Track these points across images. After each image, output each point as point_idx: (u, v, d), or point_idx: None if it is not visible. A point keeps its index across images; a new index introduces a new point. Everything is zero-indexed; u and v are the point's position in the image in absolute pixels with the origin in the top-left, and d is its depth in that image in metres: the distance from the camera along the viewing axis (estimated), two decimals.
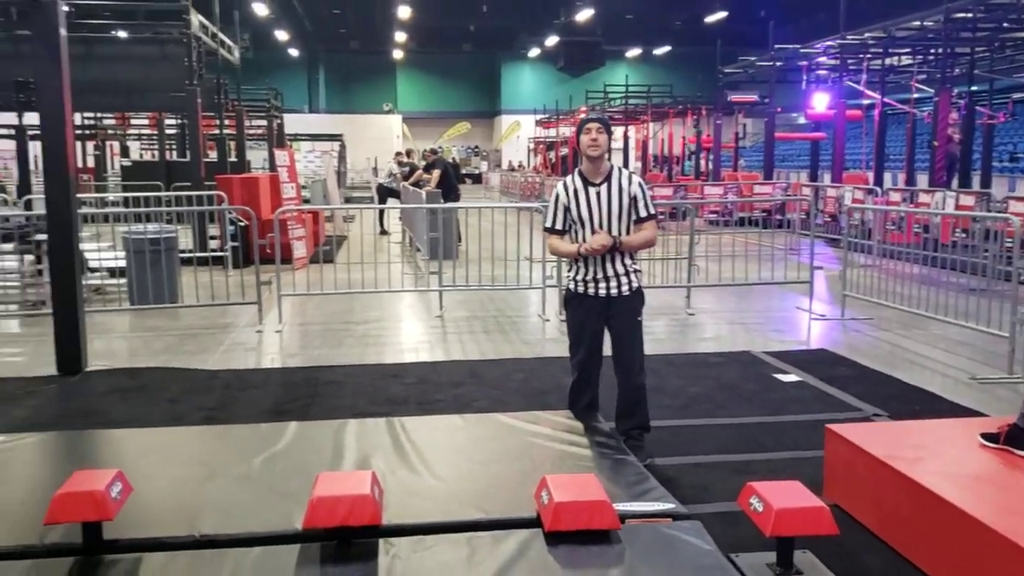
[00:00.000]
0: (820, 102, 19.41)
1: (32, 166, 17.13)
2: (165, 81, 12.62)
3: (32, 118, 14.28)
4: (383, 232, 16.38)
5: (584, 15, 32.71)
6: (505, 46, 44.61)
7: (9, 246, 9.07)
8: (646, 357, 4.60)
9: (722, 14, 35.51)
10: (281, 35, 38.27)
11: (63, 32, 6.00)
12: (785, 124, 30.69)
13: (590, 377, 4.58)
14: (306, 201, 17.18)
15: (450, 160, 43.22)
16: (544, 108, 38.83)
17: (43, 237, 8.62)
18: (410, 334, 8.21)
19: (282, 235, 9.70)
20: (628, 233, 4.40)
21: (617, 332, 4.51)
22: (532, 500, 3.17)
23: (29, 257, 9.01)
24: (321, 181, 18.60)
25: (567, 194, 4.44)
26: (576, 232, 4.44)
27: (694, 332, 8.14)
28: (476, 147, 51.17)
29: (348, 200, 25.01)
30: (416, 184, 15.11)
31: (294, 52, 44.03)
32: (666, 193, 17.03)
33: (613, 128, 20.87)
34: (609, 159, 4.46)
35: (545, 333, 8.12)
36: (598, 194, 4.38)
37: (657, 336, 7.72)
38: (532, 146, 41.41)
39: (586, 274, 4.45)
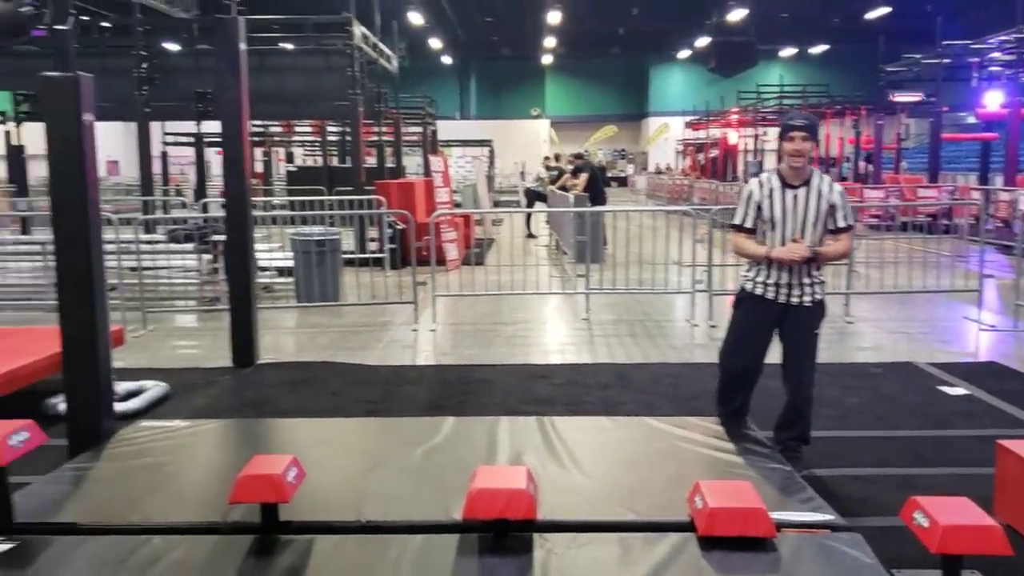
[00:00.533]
0: (993, 100, 18.19)
1: (207, 171, 18.43)
2: (330, 90, 13.28)
3: (208, 126, 15.42)
4: (530, 235, 16.60)
5: (737, 15, 31.95)
6: (654, 48, 44.13)
7: (189, 246, 9.79)
8: None
9: (885, 10, 33.80)
10: (435, 43, 39.36)
11: (243, 47, 6.46)
12: (952, 124, 28.89)
13: (748, 382, 4.49)
14: (457, 205, 17.64)
15: (596, 163, 43.16)
16: (694, 109, 38.19)
17: (220, 238, 9.32)
18: (557, 336, 8.31)
19: (436, 238, 10.04)
20: (820, 241, 4.23)
21: (791, 343, 4.34)
22: (684, 504, 3.18)
23: (206, 256, 9.70)
24: (472, 185, 19.05)
25: (761, 192, 4.29)
26: (764, 233, 4.30)
27: (853, 341, 7.83)
28: (623, 150, 50.88)
29: (496, 204, 25.52)
30: (563, 188, 15.24)
31: (447, 59, 45.16)
32: None
33: (766, 129, 20.17)
34: (810, 164, 4.29)
35: (694, 339, 8.03)
36: (795, 197, 4.22)
37: None
38: (681, 148, 40.79)
39: (767, 277, 4.30)
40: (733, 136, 31.69)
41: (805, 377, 4.34)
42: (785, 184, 4.25)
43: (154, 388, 5.83)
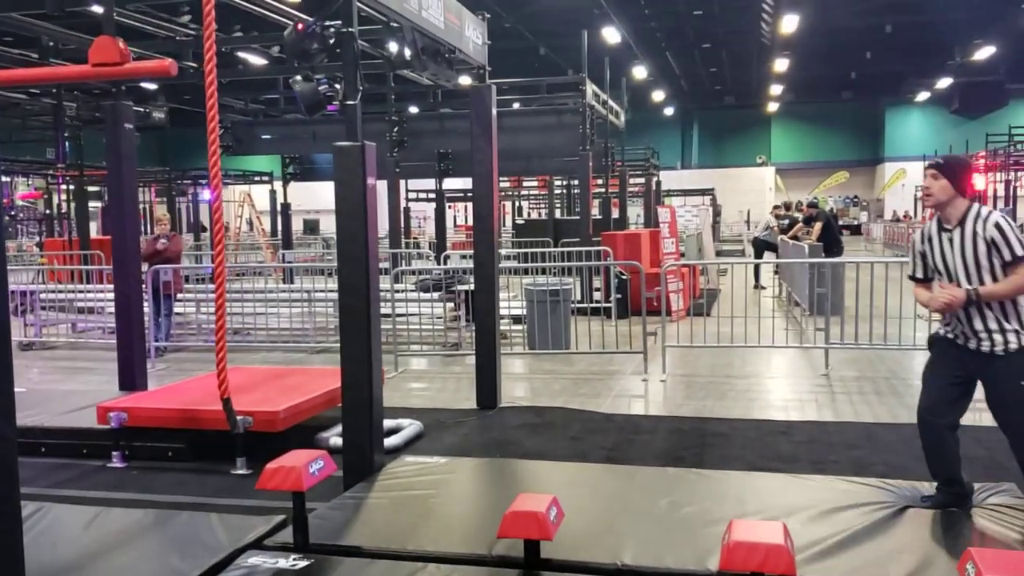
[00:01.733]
0: None
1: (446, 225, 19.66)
2: (561, 147, 13.85)
3: (449, 183, 16.51)
4: (758, 286, 16.22)
5: (984, 53, 29.85)
6: (890, 91, 42.03)
7: (436, 295, 10.50)
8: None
9: None
10: (657, 95, 39.75)
11: (494, 112, 6.96)
12: None
13: (937, 441, 4.05)
14: (681, 255, 17.62)
15: (829, 211, 41.40)
16: (935, 154, 35.91)
17: (463, 287, 9.95)
18: (796, 391, 8.08)
19: (657, 287, 10.12)
20: (994, 281, 3.88)
21: (998, 400, 3.96)
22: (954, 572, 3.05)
23: (450, 305, 10.36)
24: (696, 235, 18.97)
25: (923, 241, 4.15)
26: (938, 281, 4.11)
27: None
28: (855, 197, 48.55)
29: (719, 253, 25.15)
30: (795, 237, 14.82)
31: (669, 110, 45.40)
32: None
33: (1020, 173, 18.52)
34: (968, 200, 4.04)
35: None
36: (951, 240, 4.00)
37: None
38: (920, 194, 38.33)
39: (953, 328, 4.04)
40: (980, 182, 29.37)
41: (1014, 438, 3.95)
42: (941, 228, 4.05)
43: (411, 426, 6.32)
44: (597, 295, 13.03)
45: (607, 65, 16.00)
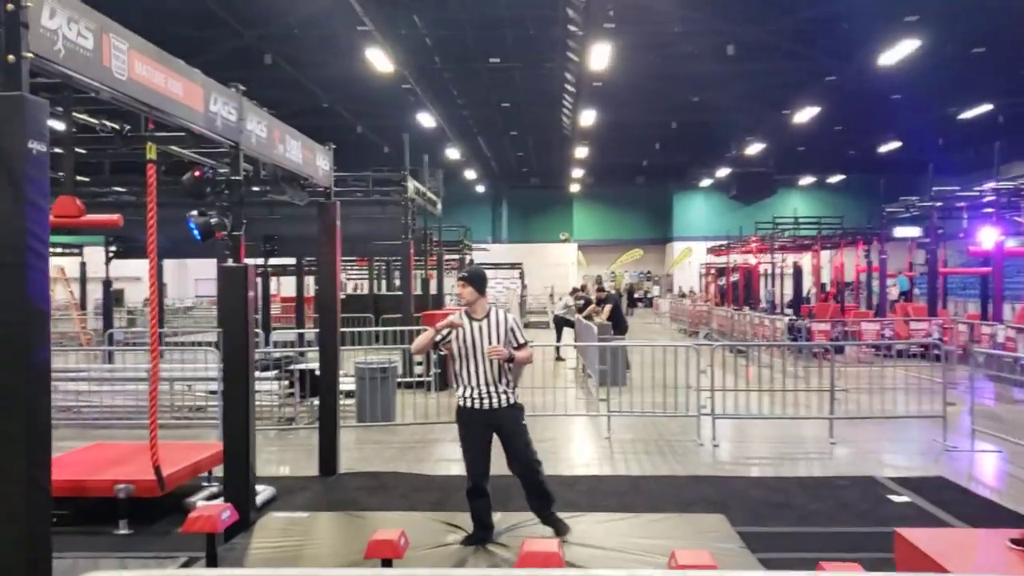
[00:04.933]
0: (988, 238, 19.79)
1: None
2: (385, 233, 15.32)
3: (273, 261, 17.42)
4: (559, 358, 18.28)
5: (755, 148, 34.30)
6: (677, 177, 46.50)
7: (271, 374, 11.56)
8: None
9: (895, 144, 36.07)
10: (469, 174, 42.21)
11: (338, 223, 8.38)
12: (961, 252, 30.53)
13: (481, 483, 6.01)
14: None
15: (624, 285, 44.81)
16: (716, 235, 40.27)
17: (298, 367, 11.10)
18: (581, 452, 9.84)
19: None
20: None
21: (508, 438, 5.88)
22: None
23: (284, 383, 11.45)
24: (505, 309, 20.89)
25: (461, 324, 5.83)
26: (465, 355, 5.77)
27: (830, 460, 9.30)
28: (648, 272, 52.89)
29: (526, 326, 27.29)
30: (588, 317, 16.99)
31: (480, 188, 48.01)
32: (824, 328, 18.06)
33: (785, 256, 22.15)
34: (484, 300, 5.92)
35: (700, 456, 9.51)
36: (480, 328, 5.78)
37: (797, 460, 8.99)
38: (704, 271, 42.59)
39: (469, 391, 5.82)
40: (753, 261, 33.43)
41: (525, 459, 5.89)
42: (471, 318, 5.83)
43: (266, 490, 7.46)
44: (418, 368, 14.45)
45: (425, 162, 17.77)
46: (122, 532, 6.45)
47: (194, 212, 5.79)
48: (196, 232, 5.79)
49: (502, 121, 32.18)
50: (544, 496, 6.00)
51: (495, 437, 5.89)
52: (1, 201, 3.46)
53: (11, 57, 3.46)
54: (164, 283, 23.13)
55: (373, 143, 31.66)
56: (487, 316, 5.86)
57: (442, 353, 13.84)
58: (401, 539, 4.73)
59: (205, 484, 7.63)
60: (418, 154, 17.46)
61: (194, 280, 42.15)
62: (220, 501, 6.23)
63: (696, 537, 5.59)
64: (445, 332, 5.83)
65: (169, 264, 32.18)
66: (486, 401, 5.78)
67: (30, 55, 3.52)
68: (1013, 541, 4.95)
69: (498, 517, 6.17)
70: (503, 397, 5.81)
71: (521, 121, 32.20)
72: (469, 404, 5.82)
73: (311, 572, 4.80)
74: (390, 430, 10.94)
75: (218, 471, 7.72)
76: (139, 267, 23.27)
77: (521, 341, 5.89)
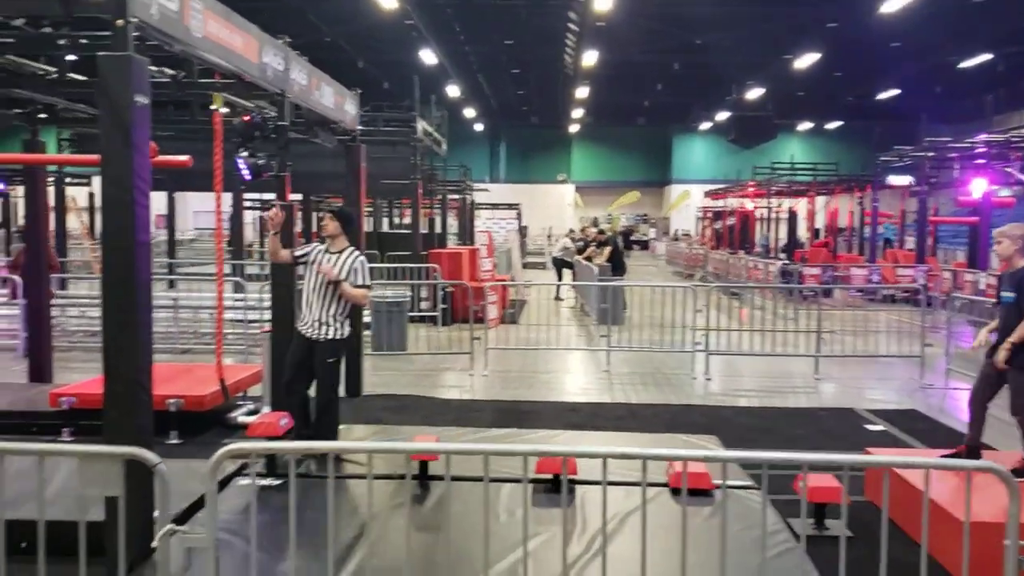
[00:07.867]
0: (978, 188, 20.35)
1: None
2: (394, 173, 15.85)
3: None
4: (558, 298, 18.97)
5: (755, 92, 34.52)
6: (677, 119, 46.65)
7: None
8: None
9: (893, 92, 36.33)
10: (469, 112, 42.35)
11: (363, 165, 8.95)
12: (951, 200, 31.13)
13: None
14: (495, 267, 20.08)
15: (620, 228, 45.24)
16: (714, 179, 40.69)
17: None
18: (582, 382, 10.59)
19: (481, 300, 12.46)
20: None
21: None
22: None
23: None
24: (506, 251, 21.54)
25: (315, 252, 6.31)
26: (309, 279, 6.24)
27: (814, 393, 10.06)
28: (645, 215, 53.30)
29: (525, 266, 27.99)
30: (588, 258, 17.63)
31: (479, 126, 48.12)
32: (815, 273, 18.79)
33: (781, 201, 22.84)
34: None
35: (694, 388, 10.26)
36: (330, 259, 6.19)
37: (784, 393, 9.77)
38: (701, 215, 43.05)
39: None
40: (749, 205, 33.94)
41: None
42: (327, 251, 6.29)
43: None
44: (424, 304, 15.13)
45: (433, 102, 18.17)
46: (173, 441, 7.16)
47: (244, 152, 6.33)
48: (247, 171, 6.35)
49: (504, 59, 32.34)
50: (314, 437, 6.09)
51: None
52: (113, 147, 4.05)
53: (120, 21, 4.01)
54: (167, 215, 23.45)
55: (374, 78, 31.83)
56: (340, 252, 6.29)
57: (450, 290, 14.62)
58: (433, 444, 5.43)
59: (239, 403, 8.31)
60: (420, 92, 17.87)
61: (192, 212, 42.43)
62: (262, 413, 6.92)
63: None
64: (302, 252, 6.37)
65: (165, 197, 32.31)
66: (311, 331, 6.22)
67: (135, 19, 4.07)
68: (944, 456, 5.72)
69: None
70: (323, 329, 6.21)
71: (523, 59, 32.35)
72: (299, 328, 6.32)
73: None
74: (404, 359, 11.65)
75: (252, 390, 8.49)
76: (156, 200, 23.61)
77: (359, 282, 6.25)
